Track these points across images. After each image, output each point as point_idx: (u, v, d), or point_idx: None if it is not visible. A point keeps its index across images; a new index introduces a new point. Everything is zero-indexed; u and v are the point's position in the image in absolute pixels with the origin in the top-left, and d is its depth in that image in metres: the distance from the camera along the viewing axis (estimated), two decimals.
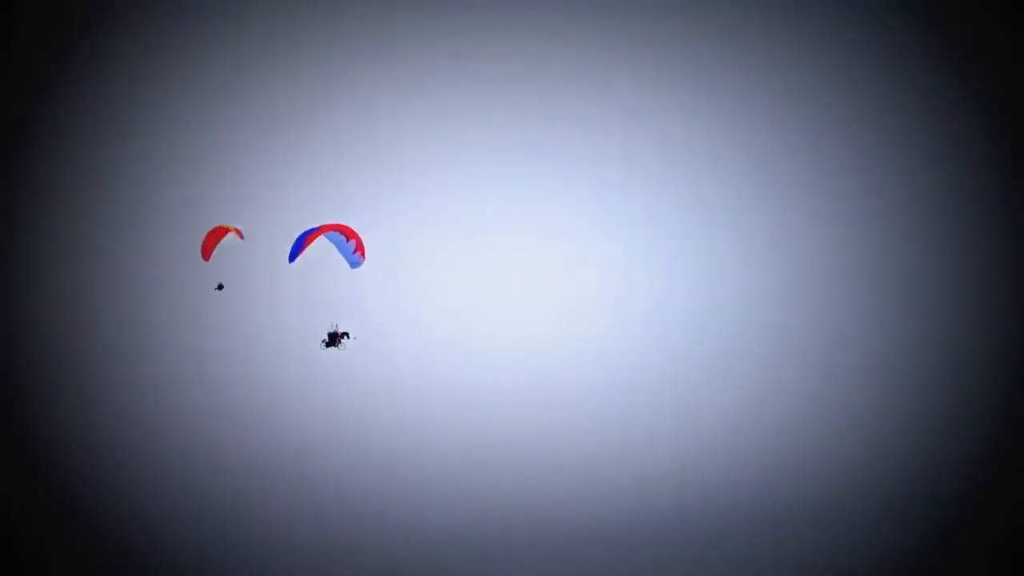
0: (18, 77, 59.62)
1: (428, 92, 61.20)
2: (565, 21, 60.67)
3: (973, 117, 57.80)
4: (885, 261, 58.33)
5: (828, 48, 59.63)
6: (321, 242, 43.85)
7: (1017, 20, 56.27)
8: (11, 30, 59.86)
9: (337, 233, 43.86)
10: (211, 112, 61.13)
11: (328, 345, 44.92)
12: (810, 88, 59.87)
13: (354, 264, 43.90)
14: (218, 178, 60.32)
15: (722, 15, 60.41)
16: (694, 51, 60.80)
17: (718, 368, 56.48)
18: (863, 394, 55.09)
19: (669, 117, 60.66)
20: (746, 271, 58.54)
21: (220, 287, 47.15)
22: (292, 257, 43.12)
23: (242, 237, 45.10)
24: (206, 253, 45.10)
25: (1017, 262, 56.80)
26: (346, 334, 44.87)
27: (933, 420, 53.64)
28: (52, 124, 59.65)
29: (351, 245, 43.71)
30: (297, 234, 43.61)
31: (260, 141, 60.71)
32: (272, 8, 61.88)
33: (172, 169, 59.61)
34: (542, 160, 59.84)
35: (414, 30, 61.43)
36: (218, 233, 45.20)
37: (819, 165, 60.04)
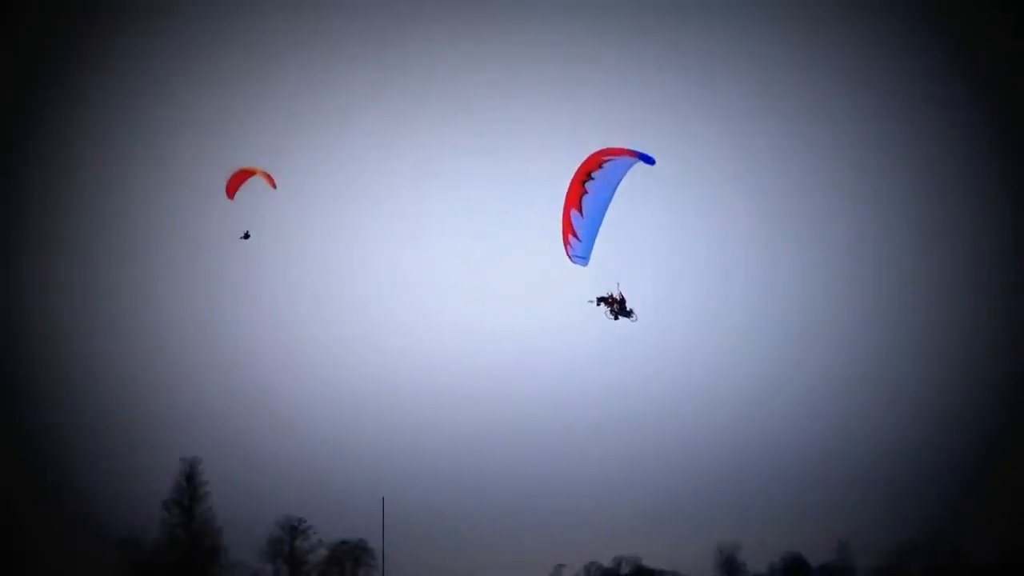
0: (18, 75, 59.30)
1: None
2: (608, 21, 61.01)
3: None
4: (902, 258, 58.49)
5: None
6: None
7: (1019, 21, 56.87)
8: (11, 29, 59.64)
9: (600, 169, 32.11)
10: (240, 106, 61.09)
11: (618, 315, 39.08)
12: (819, 89, 60.19)
13: (649, 160, 33.27)
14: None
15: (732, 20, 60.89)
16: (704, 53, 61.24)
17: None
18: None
19: (676, 121, 60.99)
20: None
21: (247, 236, 46.38)
22: (586, 255, 33.31)
23: (275, 186, 43.81)
24: (230, 192, 44.13)
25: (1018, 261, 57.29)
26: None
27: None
28: (54, 121, 59.51)
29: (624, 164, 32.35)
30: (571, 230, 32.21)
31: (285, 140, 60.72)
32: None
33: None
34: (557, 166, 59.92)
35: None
36: (244, 174, 44.08)
37: (816, 167, 60.39)
